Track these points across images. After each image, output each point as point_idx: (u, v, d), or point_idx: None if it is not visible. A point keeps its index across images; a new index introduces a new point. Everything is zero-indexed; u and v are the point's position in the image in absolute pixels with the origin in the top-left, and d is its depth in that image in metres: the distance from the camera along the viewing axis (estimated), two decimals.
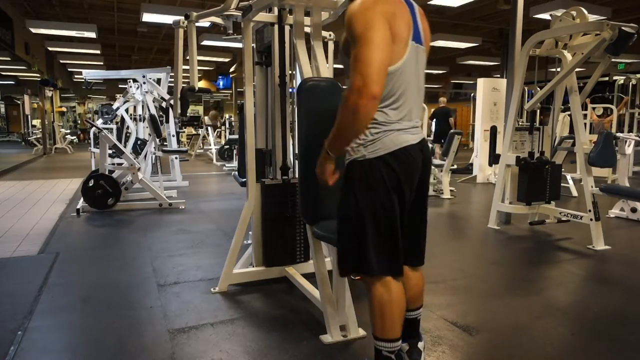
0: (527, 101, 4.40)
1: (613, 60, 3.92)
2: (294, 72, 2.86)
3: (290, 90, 2.82)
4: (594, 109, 9.49)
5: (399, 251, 1.63)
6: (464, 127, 17.40)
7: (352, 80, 1.41)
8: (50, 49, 12.54)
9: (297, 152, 2.57)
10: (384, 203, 1.58)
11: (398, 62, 1.52)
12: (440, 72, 16.65)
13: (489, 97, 7.95)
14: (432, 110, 9.98)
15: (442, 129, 8.96)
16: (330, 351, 2.09)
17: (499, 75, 12.60)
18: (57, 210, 5.26)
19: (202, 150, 13.79)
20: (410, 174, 1.63)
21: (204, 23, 3.42)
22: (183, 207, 5.47)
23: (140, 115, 8.00)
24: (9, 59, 11.60)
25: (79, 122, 23.07)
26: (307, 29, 2.60)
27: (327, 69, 2.50)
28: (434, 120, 9.92)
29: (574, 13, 3.86)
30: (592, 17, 5.22)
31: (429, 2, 7.74)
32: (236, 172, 3.41)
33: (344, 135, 1.52)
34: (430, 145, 6.82)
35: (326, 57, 2.68)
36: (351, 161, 1.61)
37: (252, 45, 2.86)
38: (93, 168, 7.24)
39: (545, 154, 4.42)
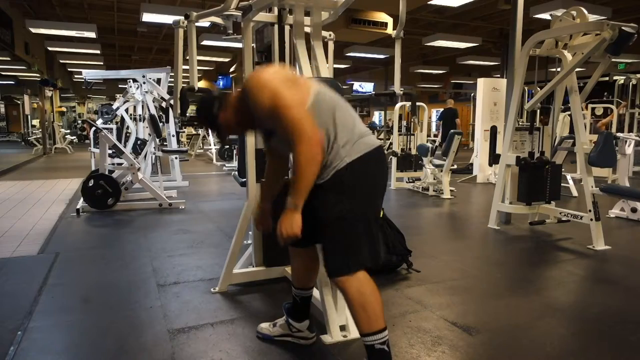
0: (527, 101, 4.40)
1: (613, 60, 3.91)
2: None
3: None
4: (593, 109, 9.49)
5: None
6: (463, 127, 17.38)
7: (296, 140, 1.58)
8: (50, 49, 12.53)
9: None
10: (365, 200, 1.75)
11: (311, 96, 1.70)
12: (440, 72, 16.67)
13: (489, 97, 7.95)
14: (440, 110, 10.29)
15: (449, 129, 9.20)
16: (330, 351, 2.09)
17: (499, 75, 12.59)
18: (57, 210, 5.26)
19: (202, 150, 13.79)
20: (382, 172, 1.82)
21: (204, 23, 3.42)
22: (183, 207, 5.46)
23: (140, 115, 8.00)
24: (9, 59, 11.59)
25: (79, 122, 23.02)
26: (307, 29, 2.60)
27: (327, 69, 2.50)
28: (442, 121, 10.35)
29: (574, 13, 3.86)
30: (592, 17, 5.22)
31: (429, 2, 7.72)
32: (236, 172, 3.41)
33: (308, 184, 1.63)
34: (430, 146, 6.83)
35: (326, 57, 2.68)
36: (335, 172, 1.70)
37: (252, 45, 2.86)
38: (93, 168, 7.24)
39: (545, 154, 4.41)
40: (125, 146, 7.70)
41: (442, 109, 11.73)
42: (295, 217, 1.64)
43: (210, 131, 1.76)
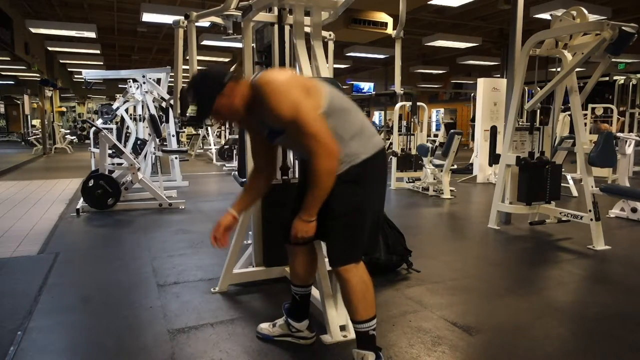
0: (527, 101, 4.40)
1: (613, 60, 3.91)
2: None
3: None
4: (593, 109, 9.49)
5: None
6: (463, 127, 17.40)
7: (316, 153, 1.63)
8: (50, 49, 12.52)
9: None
10: (375, 194, 1.86)
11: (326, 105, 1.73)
12: (440, 72, 16.66)
13: (489, 97, 7.94)
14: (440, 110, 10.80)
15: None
16: (330, 351, 2.09)
17: (499, 75, 12.59)
18: (57, 210, 5.26)
19: (202, 150, 13.79)
20: (386, 171, 1.93)
21: (204, 23, 3.42)
22: (183, 207, 5.46)
23: (140, 115, 8.00)
24: (8, 59, 11.58)
25: (78, 122, 23.00)
26: (307, 29, 2.60)
27: (327, 69, 2.50)
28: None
29: (574, 13, 3.86)
30: (592, 17, 5.22)
31: (429, 2, 7.72)
32: (236, 172, 3.41)
33: (324, 194, 1.70)
34: (430, 146, 6.82)
35: (326, 57, 2.68)
36: (350, 167, 1.76)
37: (252, 45, 2.86)
38: (93, 168, 7.24)
39: (546, 154, 4.41)
40: (125, 146, 7.70)
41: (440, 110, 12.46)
42: (311, 225, 1.73)
43: (195, 105, 1.71)
